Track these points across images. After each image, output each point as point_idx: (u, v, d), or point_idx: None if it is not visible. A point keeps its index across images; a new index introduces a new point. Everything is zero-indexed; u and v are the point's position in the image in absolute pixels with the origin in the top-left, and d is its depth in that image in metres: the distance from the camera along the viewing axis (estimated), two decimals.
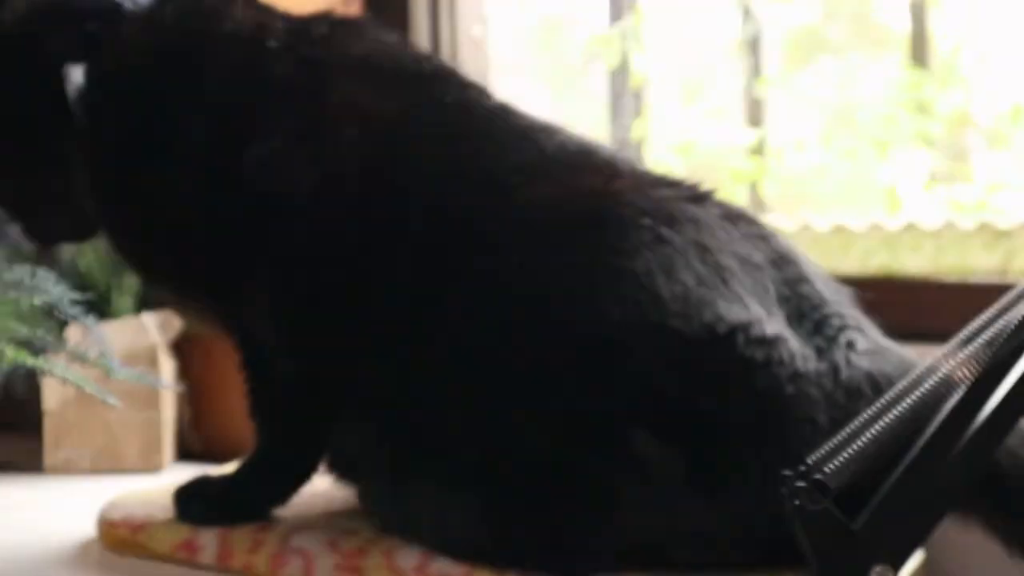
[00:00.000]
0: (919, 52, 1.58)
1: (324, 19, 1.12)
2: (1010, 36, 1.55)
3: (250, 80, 1.07)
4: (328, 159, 1.02)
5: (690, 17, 1.76)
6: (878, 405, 0.80)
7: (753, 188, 1.65)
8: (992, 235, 1.37)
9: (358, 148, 1.03)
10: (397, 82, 1.07)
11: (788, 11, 1.67)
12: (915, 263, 1.40)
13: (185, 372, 1.52)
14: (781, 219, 1.54)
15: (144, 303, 1.46)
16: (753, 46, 1.65)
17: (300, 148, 1.03)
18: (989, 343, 0.81)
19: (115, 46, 1.09)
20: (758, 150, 1.65)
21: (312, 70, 1.06)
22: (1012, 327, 0.81)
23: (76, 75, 1.09)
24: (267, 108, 1.05)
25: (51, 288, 1.27)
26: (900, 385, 0.81)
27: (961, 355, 0.83)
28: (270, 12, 1.12)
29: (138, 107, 1.08)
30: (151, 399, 1.42)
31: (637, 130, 1.69)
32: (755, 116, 1.65)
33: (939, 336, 1.30)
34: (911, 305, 1.38)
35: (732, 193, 1.63)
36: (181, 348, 1.51)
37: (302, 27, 1.10)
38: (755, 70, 1.64)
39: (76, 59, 1.09)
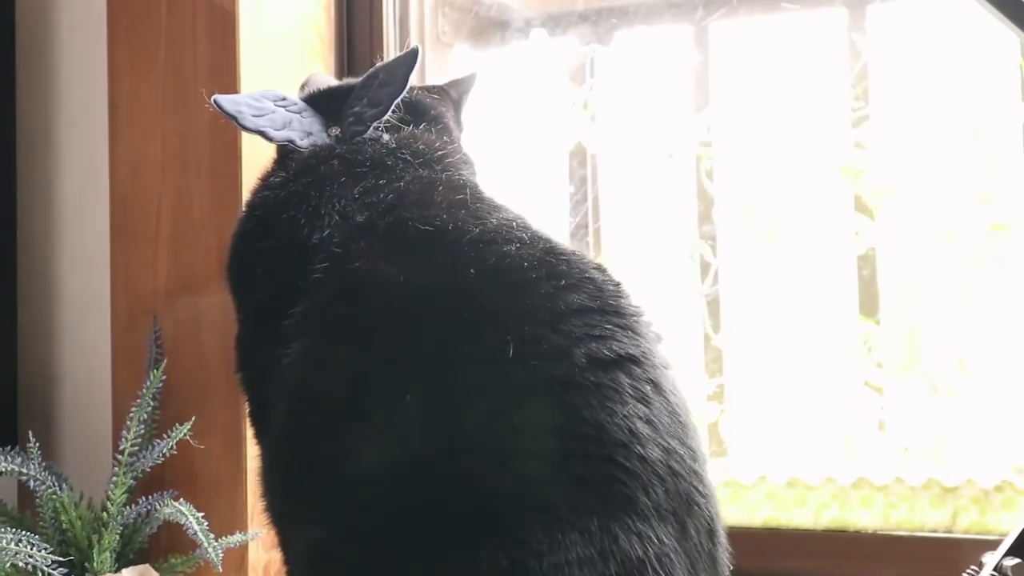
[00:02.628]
0: (868, 303, 1.67)
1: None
2: (953, 287, 1.64)
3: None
4: None
5: (652, 269, 1.84)
6: None
7: (713, 430, 1.71)
8: (940, 491, 1.43)
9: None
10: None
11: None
12: (866, 517, 1.46)
13: None
14: (739, 468, 1.61)
15: (123, 558, 1.50)
16: (714, 303, 1.73)
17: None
18: None
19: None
20: (717, 396, 1.72)
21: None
22: None
23: None
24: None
25: (33, 552, 1.32)
26: None
27: None
28: None
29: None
30: None
31: None
32: (714, 367, 1.72)
33: None
34: (863, 559, 1.45)
35: None
36: None
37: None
38: (715, 324, 1.72)
39: None
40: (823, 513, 1.48)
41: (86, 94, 1.73)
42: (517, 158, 1.81)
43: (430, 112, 1.36)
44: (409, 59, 1.32)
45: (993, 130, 1.62)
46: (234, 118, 1.28)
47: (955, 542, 1.41)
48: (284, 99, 1.34)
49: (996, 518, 1.40)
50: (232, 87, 1.56)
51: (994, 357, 1.59)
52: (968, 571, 0.88)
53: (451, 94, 1.43)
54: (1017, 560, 0.83)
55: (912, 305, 1.65)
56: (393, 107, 1.29)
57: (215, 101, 1.28)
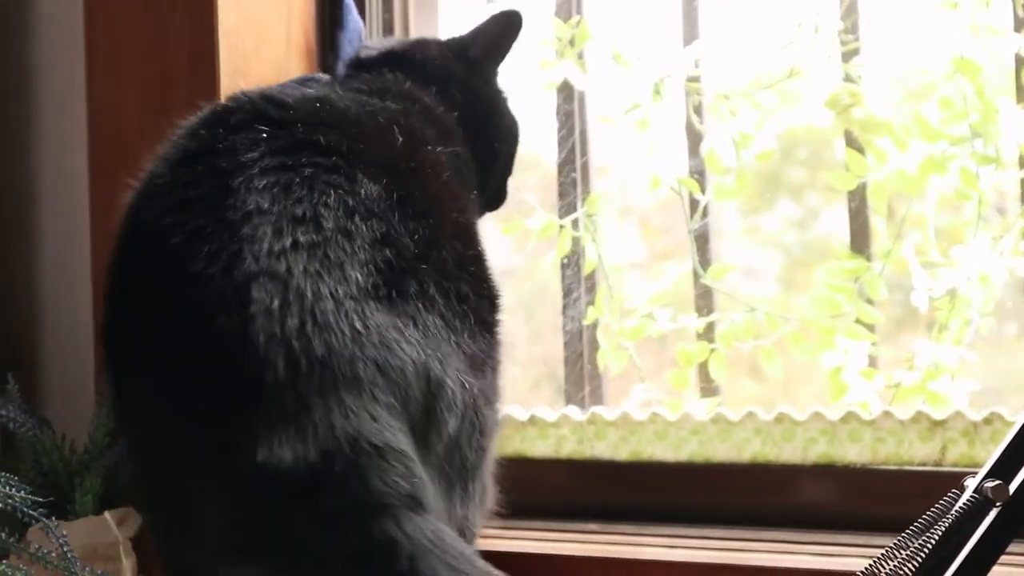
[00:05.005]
0: (859, 239, 1.65)
1: None
2: (943, 221, 1.62)
3: None
4: None
5: (644, 207, 1.83)
6: None
7: (702, 368, 1.70)
8: (928, 424, 1.42)
9: None
10: None
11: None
12: (854, 452, 1.44)
13: (144, 567, 1.54)
14: (728, 405, 1.60)
15: (106, 501, 1.49)
16: (702, 238, 1.71)
17: None
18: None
19: None
20: (707, 334, 1.71)
21: None
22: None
23: None
24: None
25: (13, 492, 1.31)
26: None
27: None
28: None
29: None
30: None
31: (590, 316, 1.75)
32: (703, 304, 1.71)
33: (879, 524, 1.36)
34: (851, 493, 1.44)
35: (683, 374, 1.69)
36: (140, 543, 1.53)
37: None
38: (704, 261, 1.71)
39: None
40: (811, 448, 1.47)
41: (63, 34, 1.71)
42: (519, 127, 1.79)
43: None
44: None
45: (985, 61, 1.59)
46: None
47: (944, 475, 1.40)
48: (311, 79, 1.38)
49: (985, 451, 1.38)
50: (209, 25, 1.54)
51: (984, 290, 1.57)
52: (950, 494, 0.87)
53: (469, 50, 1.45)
54: (998, 482, 0.82)
55: (902, 240, 1.63)
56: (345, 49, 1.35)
57: None
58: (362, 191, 1.12)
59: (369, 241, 1.09)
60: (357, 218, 1.10)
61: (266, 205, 1.07)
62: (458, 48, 1.44)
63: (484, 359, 1.16)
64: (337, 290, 1.04)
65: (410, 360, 1.05)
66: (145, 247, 1.12)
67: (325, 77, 1.37)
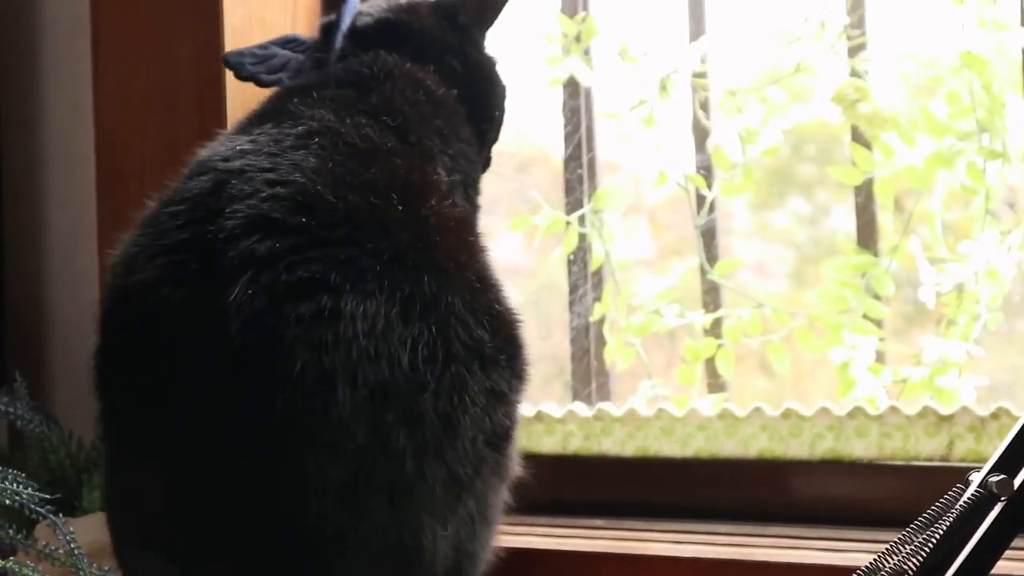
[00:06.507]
0: (866, 234, 1.65)
1: None
2: (950, 215, 1.62)
3: None
4: None
5: (650, 203, 1.83)
6: None
7: (710, 363, 1.70)
8: (935, 420, 1.42)
9: None
10: None
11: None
12: (861, 447, 1.44)
13: None
14: (735, 401, 1.60)
15: None
16: (709, 234, 1.71)
17: None
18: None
19: None
20: (714, 330, 1.70)
21: None
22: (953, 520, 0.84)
23: None
24: None
25: (20, 489, 1.31)
26: None
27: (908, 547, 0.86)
28: None
29: None
30: None
31: (597, 312, 1.75)
32: (711, 301, 1.71)
33: (885, 519, 1.36)
34: (858, 488, 1.43)
35: (690, 369, 1.69)
36: None
37: None
38: (710, 256, 1.70)
39: None
40: (818, 443, 1.46)
41: (70, 30, 1.71)
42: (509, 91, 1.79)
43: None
44: None
45: (993, 56, 1.59)
46: (234, 70, 1.30)
47: (951, 470, 1.39)
48: (294, 40, 1.34)
49: (992, 446, 1.38)
50: (215, 22, 1.55)
51: (992, 286, 1.57)
52: (955, 488, 0.87)
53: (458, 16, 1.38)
54: (1003, 476, 0.82)
55: (910, 235, 1.63)
56: (345, 22, 1.30)
57: (223, 59, 1.31)
58: (350, 328, 0.99)
59: (352, 410, 0.98)
60: (340, 389, 0.98)
61: (247, 406, 0.99)
62: (448, 12, 1.37)
63: (476, 468, 1.06)
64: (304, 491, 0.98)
65: (375, 540, 1.00)
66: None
67: (308, 40, 1.34)
